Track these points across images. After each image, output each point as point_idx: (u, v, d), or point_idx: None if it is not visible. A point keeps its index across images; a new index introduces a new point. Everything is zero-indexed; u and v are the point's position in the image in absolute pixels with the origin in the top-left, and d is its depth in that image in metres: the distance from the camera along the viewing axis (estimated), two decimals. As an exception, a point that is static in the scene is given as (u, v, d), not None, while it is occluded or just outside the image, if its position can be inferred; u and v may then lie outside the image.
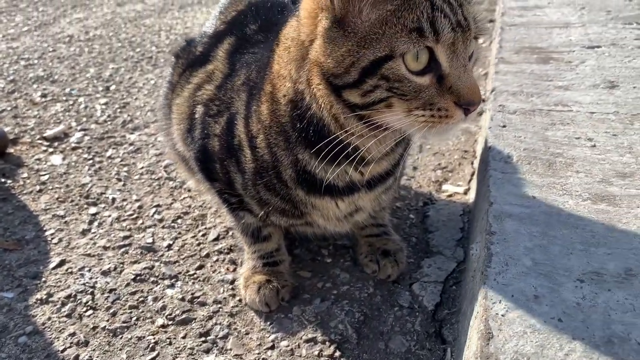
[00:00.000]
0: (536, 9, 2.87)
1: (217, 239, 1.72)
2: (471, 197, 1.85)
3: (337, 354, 1.31)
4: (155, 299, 1.49)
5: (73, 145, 2.30)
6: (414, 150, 2.16)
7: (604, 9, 2.73)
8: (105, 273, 1.59)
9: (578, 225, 1.20)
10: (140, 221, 1.82)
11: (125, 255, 1.66)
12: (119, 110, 2.63)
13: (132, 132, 2.42)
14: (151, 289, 1.53)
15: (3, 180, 2.04)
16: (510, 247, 1.14)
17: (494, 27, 3.11)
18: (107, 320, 1.43)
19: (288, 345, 1.34)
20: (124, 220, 1.83)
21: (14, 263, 1.62)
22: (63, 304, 1.48)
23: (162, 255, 1.66)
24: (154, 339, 1.37)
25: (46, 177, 2.07)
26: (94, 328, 1.40)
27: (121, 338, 1.37)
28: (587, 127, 1.62)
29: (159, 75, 3.04)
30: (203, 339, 1.37)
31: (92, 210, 1.88)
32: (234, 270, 1.60)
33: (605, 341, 0.93)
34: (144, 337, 1.38)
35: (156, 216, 1.84)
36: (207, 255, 1.66)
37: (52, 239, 1.74)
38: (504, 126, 1.65)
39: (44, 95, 2.78)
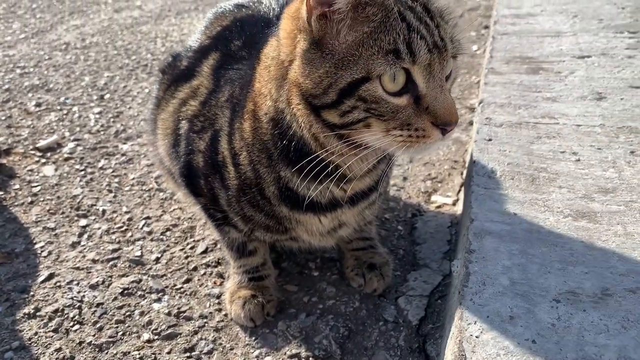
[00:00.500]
0: (529, 17, 2.88)
1: (205, 251, 1.73)
2: (460, 208, 1.85)
3: (320, 369, 1.32)
4: (142, 314, 1.50)
5: (66, 155, 2.31)
6: (404, 161, 2.17)
7: (596, 17, 2.73)
8: (93, 287, 1.60)
9: (557, 243, 1.21)
10: (129, 234, 1.83)
11: (113, 269, 1.67)
12: (112, 119, 2.65)
13: (124, 142, 2.43)
14: (138, 303, 1.54)
15: (-5, 191, 2.06)
16: (489, 266, 1.14)
17: (488, 33, 3.11)
18: (94, 335, 1.44)
19: (272, 361, 1.35)
20: (114, 232, 1.84)
21: (2, 277, 1.64)
22: (50, 319, 1.49)
23: (150, 269, 1.67)
24: (139, 354, 1.38)
25: (38, 188, 2.08)
26: (80, 343, 1.41)
27: (107, 353, 1.38)
28: (572, 140, 1.62)
29: (153, 83, 3.04)
30: (188, 354, 1.38)
31: (83, 222, 1.89)
32: (221, 284, 1.60)
33: (579, 363, 0.93)
34: (129, 352, 1.38)
35: (145, 228, 1.85)
36: (195, 269, 1.67)
37: (42, 251, 1.75)
38: (490, 140, 1.65)
39: (38, 105, 2.80)
